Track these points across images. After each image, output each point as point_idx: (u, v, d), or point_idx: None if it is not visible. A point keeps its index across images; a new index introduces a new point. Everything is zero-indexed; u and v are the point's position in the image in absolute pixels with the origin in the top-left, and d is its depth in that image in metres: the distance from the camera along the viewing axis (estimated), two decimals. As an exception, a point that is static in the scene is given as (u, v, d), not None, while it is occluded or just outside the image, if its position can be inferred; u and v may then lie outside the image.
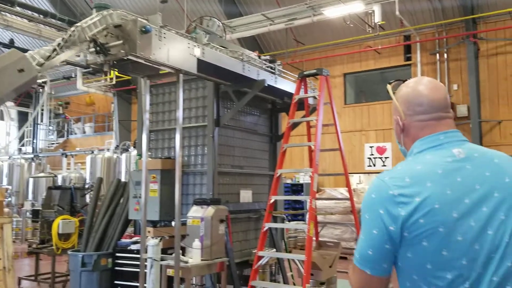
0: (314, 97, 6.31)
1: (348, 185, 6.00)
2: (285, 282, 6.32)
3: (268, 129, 7.13)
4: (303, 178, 15.42)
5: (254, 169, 6.70)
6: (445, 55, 13.90)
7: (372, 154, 14.98)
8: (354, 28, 13.94)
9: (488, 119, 13.28)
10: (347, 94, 15.79)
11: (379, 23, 11.97)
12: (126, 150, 14.52)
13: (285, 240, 7.54)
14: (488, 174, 1.47)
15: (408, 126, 1.62)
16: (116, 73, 16.87)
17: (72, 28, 4.19)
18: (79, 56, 9.45)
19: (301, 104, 6.19)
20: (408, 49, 14.62)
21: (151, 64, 4.41)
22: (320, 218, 10.06)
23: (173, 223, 5.77)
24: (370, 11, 12.37)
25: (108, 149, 15.68)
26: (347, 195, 10.58)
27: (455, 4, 13.35)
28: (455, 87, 13.81)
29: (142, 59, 4.26)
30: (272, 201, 5.30)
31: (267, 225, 5.20)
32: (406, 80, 1.71)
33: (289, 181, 15.70)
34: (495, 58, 13.29)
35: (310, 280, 5.14)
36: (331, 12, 12.28)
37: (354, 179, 16.06)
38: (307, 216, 5.09)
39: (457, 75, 13.81)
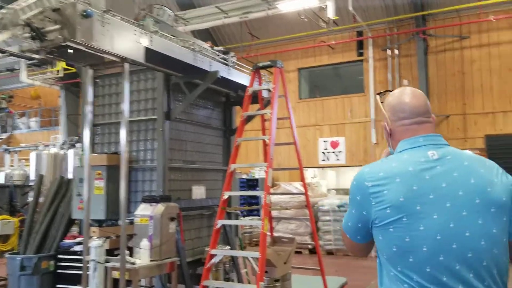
0: (269, 90, 6.14)
1: (302, 179, 5.88)
2: (240, 280, 6.13)
3: (222, 123, 6.90)
4: (259, 173, 15.29)
5: (207, 164, 6.46)
6: (396, 51, 14.15)
7: (326, 149, 15.07)
8: (308, 23, 13.91)
9: (437, 113, 13.63)
10: (302, 89, 15.79)
11: (333, 18, 11.97)
12: (73, 145, 13.84)
13: (240, 236, 7.36)
14: (456, 175, 1.64)
15: (394, 131, 1.85)
16: (64, 65, 16.05)
17: (3, 10, 3.79)
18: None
19: (256, 97, 6.01)
20: (360, 45, 14.77)
21: (93, 52, 4.07)
22: (275, 213, 9.97)
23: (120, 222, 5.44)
24: (323, 6, 12.34)
25: (54, 145, 14.90)
26: (302, 189, 10.56)
27: (405, 1, 13.59)
28: (405, 82, 14.07)
29: (83, 46, 3.93)
30: (225, 197, 5.09)
31: (220, 222, 4.98)
32: (391, 90, 1.93)
33: (244, 177, 15.53)
34: (443, 55, 13.65)
35: (265, 278, 4.98)
36: (286, 6, 12.16)
37: (308, 173, 16.11)
38: (262, 211, 4.91)
39: (407, 71, 14.09)
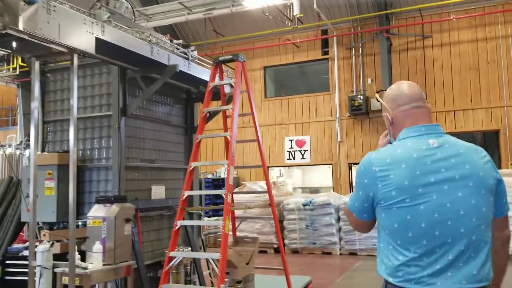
0: (231, 85, 5.94)
1: (266, 177, 5.69)
2: (201, 282, 5.90)
3: (183, 120, 6.64)
4: (225, 173, 15.06)
5: (168, 163, 6.19)
6: (360, 50, 14.21)
7: (292, 147, 14.99)
8: (273, 21, 13.79)
9: (400, 112, 13.75)
10: (267, 88, 15.66)
11: (297, 16, 11.88)
12: (29, 145, 13.18)
13: (202, 237, 7.12)
14: (453, 161, 1.86)
15: (395, 118, 2.03)
16: (20, 62, 15.35)
17: None
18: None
19: (218, 94, 5.78)
20: (325, 43, 14.77)
21: (38, 42, 3.75)
22: (240, 212, 9.76)
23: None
24: (288, 4, 12.25)
25: (10, 145, 14.20)
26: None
27: (369, 0, 13.66)
28: (369, 81, 14.17)
29: (26, 34, 3.61)
30: (185, 196, 4.84)
31: (179, 223, 4.73)
32: (386, 89, 2.15)
33: (210, 176, 15.27)
34: (406, 53, 13.80)
35: (226, 280, 4.77)
36: (251, 3, 11.99)
37: (274, 172, 16.00)
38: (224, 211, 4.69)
39: (371, 69, 14.17)
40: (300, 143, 14.87)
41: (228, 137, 4.90)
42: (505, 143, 12.76)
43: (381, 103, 2.16)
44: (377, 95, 2.42)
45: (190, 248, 5.80)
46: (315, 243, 9.62)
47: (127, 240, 4.59)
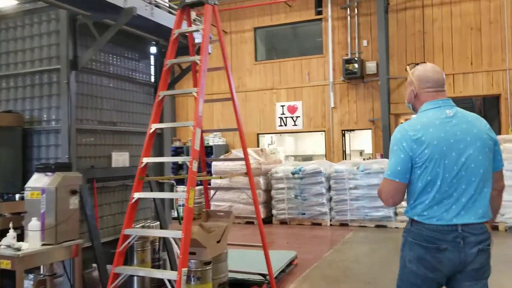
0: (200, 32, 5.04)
1: (242, 142, 4.90)
2: (171, 260, 5.17)
3: (151, 77, 5.77)
4: (213, 140, 14.27)
5: (133, 126, 5.36)
6: (356, 10, 13.18)
7: (284, 113, 14.15)
8: (263, -23, 12.70)
9: (396, 76, 12.90)
10: (258, 51, 14.65)
11: (289, -30, 10.81)
12: None
13: (177, 209, 6.38)
14: (464, 126, 2.38)
15: (419, 95, 2.53)
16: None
17: None
18: None
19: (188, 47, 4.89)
20: (319, 2, 13.71)
21: None
22: (225, 181, 9.03)
23: (17, 197, 4.34)
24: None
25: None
26: (256, 156, 9.61)
27: (366, -46, 12.54)
28: (364, 43, 13.21)
29: None
30: (143, 164, 4.05)
31: (136, 195, 3.96)
32: (418, 63, 2.78)
33: (197, 143, 14.47)
34: (404, 13, 12.79)
35: (192, 261, 4.03)
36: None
37: (265, 140, 15.21)
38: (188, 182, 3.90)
39: (367, 31, 13.19)
40: (292, 109, 14.02)
41: (195, 94, 4.05)
42: (506, 108, 11.95)
43: (408, 76, 2.61)
44: (408, 67, 2.67)
45: (158, 223, 5.06)
46: (304, 214, 8.93)
47: (73, 215, 3.81)
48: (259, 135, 14.46)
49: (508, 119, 11.90)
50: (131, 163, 5.17)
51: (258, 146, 14.38)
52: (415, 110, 2.57)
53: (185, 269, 3.51)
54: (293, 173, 8.95)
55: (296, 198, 8.91)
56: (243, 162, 9.15)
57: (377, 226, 8.49)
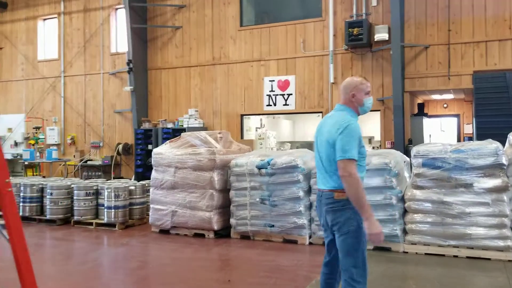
0: None
1: None
2: None
3: None
4: (188, 122, 11.51)
5: None
6: (364, -41, 10.11)
7: (273, 90, 11.29)
8: None
9: (413, 43, 9.85)
10: (244, 14, 11.71)
11: None
12: None
13: None
14: (326, 125, 3.06)
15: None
16: None
17: None
18: None
19: None
20: (318, -49, 10.66)
21: None
22: (168, 177, 6.23)
23: None
24: None
25: None
26: (212, 142, 6.79)
27: None
28: (374, 2, 10.16)
29: None
30: None
31: None
32: None
33: (170, 126, 11.79)
34: (425, -40, 9.68)
35: None
36: None
37: (253, 122, 12.37)
38: None
39: (377, -14, 10.12)
40: (283, 85, 11.14)
41: None
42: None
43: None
44: None
45: None
46: (273, 226, 6.13)
47: None
48: (243, 116, 11.63)
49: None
50: None
51: (241, 131, 11.58)
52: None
53: None
54: (259, 168, 6.12)
55: (262, 203, 6.11)
56: (200, 151, 6.35)
57: (378, 249, 5.64)
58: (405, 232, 5.62)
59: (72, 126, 13.50)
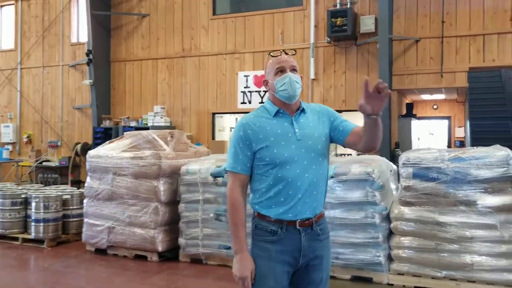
0: None
1: None
2: None
3: None
4: (153, 120, 10.31)
5: None
6: None
7: (248, 87, 10.14)
8: None
9: (403, 36, 8.78)
10: (217, 1, 10.51)
11: None
12: None
13: None
14: None
15: None
16: None
17: None
18: None
19: None
20: None
21: None
22: (107, 185, 5.03)
23: None
24: None
25: None
26: (160, 143, 5.61)
27: None
28: (360, -11, 9.04)
29: None
30: None
31: None
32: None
33: (133, 124, 10.58)
34: None
35: None
36: None
37: (227, 121, 11.18)
38: None
39: (363, -29, 9.03)
40: (259, 81, 9.97)
41: None
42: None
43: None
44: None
45: None
46: (229, 248, 4.97)
47: None
48: (215, 115, 10.45)
49: None
50: None
51: (213, 130, 10.42)
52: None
53: None
54: (214, 176, 4.95)
55: (218, 220, 4.93)
56: (142, 155, 5.22)
57: (356, 279, 4.50)
58: (390, 259, 4.48)
59: (29, 123, 12.19)
